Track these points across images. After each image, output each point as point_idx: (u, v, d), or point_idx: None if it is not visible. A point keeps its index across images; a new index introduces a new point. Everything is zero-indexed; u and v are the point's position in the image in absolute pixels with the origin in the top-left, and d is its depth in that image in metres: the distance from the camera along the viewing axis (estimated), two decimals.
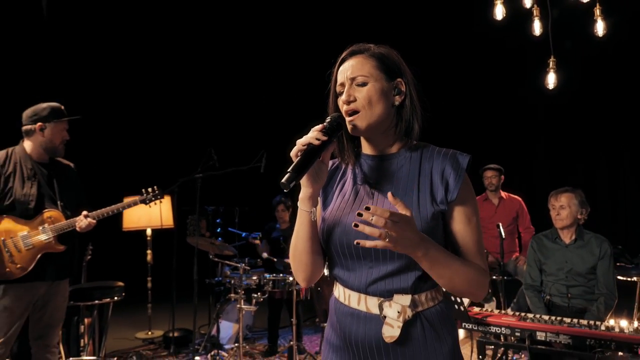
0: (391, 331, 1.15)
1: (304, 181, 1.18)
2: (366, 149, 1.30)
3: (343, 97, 1.20)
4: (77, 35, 6.25)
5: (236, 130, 7.16)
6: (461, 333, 4.60)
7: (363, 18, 6.21)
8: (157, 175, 6.00)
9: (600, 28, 2.98)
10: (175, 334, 4.38)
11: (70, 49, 6.27)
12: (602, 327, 2.29)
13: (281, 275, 3.99)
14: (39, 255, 2.61)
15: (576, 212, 2.86)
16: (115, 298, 3.50)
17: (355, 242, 1.02)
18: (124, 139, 6.91)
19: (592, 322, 2.38)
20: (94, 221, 2.70)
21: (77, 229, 2.66)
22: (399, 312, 1.15)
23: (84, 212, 2.67)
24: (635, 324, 2.32)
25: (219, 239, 4.38)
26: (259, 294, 3.91)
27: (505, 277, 3.90)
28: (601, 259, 2.76)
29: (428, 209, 1.16)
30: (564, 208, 2.86)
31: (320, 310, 4.15)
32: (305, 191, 1.20)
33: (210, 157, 4.11)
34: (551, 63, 3.17)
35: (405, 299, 1.16)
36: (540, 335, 2.34)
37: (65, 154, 2.90)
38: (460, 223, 1.19)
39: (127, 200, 2.88)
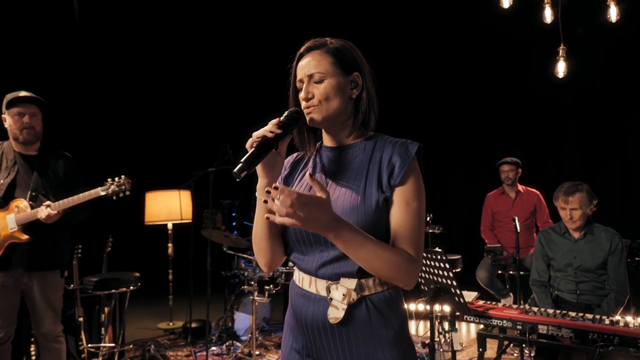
0: (336, 312, 1.19)
1: (260, 171, 1.24)
2: (326, 140, 1.36)
3: (302, 95, 1.26)
4: (102, 36, 6.48)
5: (250, 125, 7.25)
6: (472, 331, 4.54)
7: (365, 9, 6.19)
8: (176, 170, 6.22)
9: (613, 14, 2.87)
10: (193, 325, 4.49)
11: (95, 50, 6.52)
12: (606, 322, 2.23)
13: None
14: (6, 244, 2.65)
15: (587, 209, 2.75)
16: (132, 288, 3.63)
17: (265, 216, 1.05)
18: (142, 134, 7.13)
19: (596, 317, 2.31)
20: (54, 212, 2.59)
21: (40, 219, 2.60)
22: (344, 294, 1.19)
23: (46, 203, 2.62)
24: None
25: (235, 232, 4.46)
26: (271, 286, 3.97)
27: (522, 272, 3.82)
28: (612, 253, 2.66)
29: (373, 195, 1.19)
30: (576, 210, 2.74)
31: None
32: (261, 181, 1.26)
33: (226, 152, 4.20)
34: (561, 51, 3.07)
35: (351, 283, 1.20)
36: (542, 329, 2.29)
37: (87, 150, 2.99)
38: (397, 207, 1.20)
39: (89, 192, 2.69)
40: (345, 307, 1.19)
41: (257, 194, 1.27)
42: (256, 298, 3.92)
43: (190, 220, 4.97)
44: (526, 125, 6.77)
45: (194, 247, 4.32)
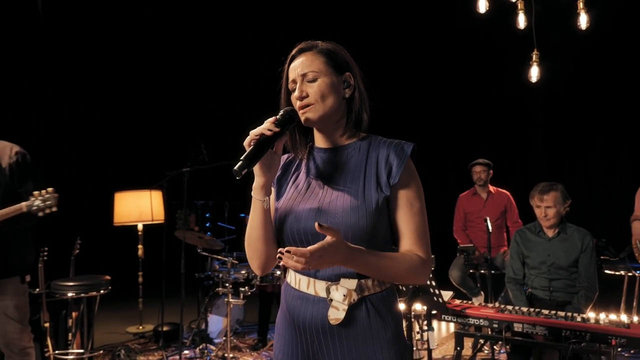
0: (336, 313, 1.19)
1: (257, 170, 1.23)
2: (319, 142, 1.36)
3: (296, 94, 1.26)
4: (67, 30, 6.26)
5: (226, 124, 7.16)
6: (451, 328, 4.62)
7: (346, 12, 6.22)
8: (147, 170, 6.06)
9: (583, 21, 2.98)
10: (165, 329, 4.40)
11: (62, 44, 6.28)
12: (578, 319, 2.31)
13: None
14: None
15: (561, 208, 2.86)
16: (102, 292, 3.51)
17: (280, 264, 1.06)
18: (113, 133, 6.93)
19: (569, 314, 2.40)
20: None
21: None
22: (344, 295, 1.19)
23: None
24: (612, 315, 2.33)
25: (208, 233, 4.38)
26: (246, 287, 3.92)
27: (492, 271, 3.92)
28: (583, 252, 2.77)
29: (372, 196, 1.21)
30: (550, 208, 2.84)
31: None
32: (258, 180, 1.25)
33: (200, 152, 4.12)
34: (534, 56, 3.17)
35: (352, 283, 1.19)
36: (518, 327, 2.35)
37: (52, 149, 2.82)
38: (401, 208, 1.23)
39: (10, 208, 2.44)
40: (346, 307, 1.18)
41: (253, 193, 1.26)
42: (231, 300, 3.87)
43: (162, 221, 4.86)
44: (497, 127, 6.95)
45: (166, 248, 4.23)
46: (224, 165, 4.01)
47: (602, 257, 3.87)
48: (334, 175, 1.28)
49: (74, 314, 3.68)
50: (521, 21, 3.15)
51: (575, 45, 4.51)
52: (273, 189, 1.37)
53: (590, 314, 2.37)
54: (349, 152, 1.29)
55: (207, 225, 4.75)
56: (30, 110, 5.96)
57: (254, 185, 1.26)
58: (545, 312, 2.45)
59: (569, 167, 6.56)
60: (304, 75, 1.25)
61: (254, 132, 1.19)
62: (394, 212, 1.24)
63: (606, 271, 4.08)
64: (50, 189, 2.46)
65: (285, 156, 1.43)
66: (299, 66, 1.26)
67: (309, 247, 1.02)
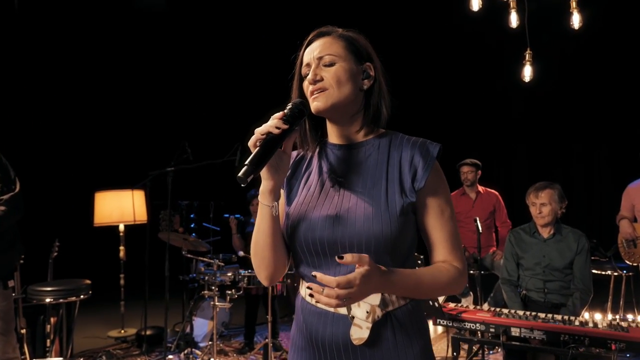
0: (360, 332, 1.08)
1: (264, 173, 1.11)
2: (332, 137, 1.24)
3: (309, 77, 1.14)
4: (47, 26, 6.04)
5: (210, 123, 7.02)
6: (439, 329, 4.59)
7: (336, 7, 6.14)
8: (128, 169, 5.89)
9: (576, 21, 2.96)
10: (148, 332, 4.26)
11: (40, 40, 6.06)
12: (576, 323, 2.28)
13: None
14: None
15: (557, 208, 2.84)
16: (82, 297, 3.37)
17: (308, 294, 0.99)
18: (93, 131, 6.72)
19: (566, 318, 2.37)
20: None
21: None
22: (367, 312, 1.08)
23: None
24: (609, 317, 2.31)
25: (193, 234, 4.26)
26: (233, 290, 3.82)
27: (482, 272, 3.90)
28: (578, 254, 2.75)
29: (397, 201, 1.10)
30: (545, 205, 2.82)
31: None
32: (266, 184, 1.12)
33: (184, 150, 4.00)
34: (527, 56, 3.14)
35: (375, 298, 1.09)
36: (515, 331, 2.31)
37: (29, 147, 2.66)
38: (431, 215, 1.13)
39: None
40: (370, 325, 1.07)
41: (260, 197, 1.15)
42: (217, 303, 3.76)
43: (145, 221, 4.72)
44: (490, 126, 6.95)
45: (149, 249, 4.09)
46: (209, 164, 3.91)
47: (592, 258, 3.88)
48: (351, 176, 1.16)
49: (52, 320, 3.53)
50: (513, 20, 3.12)
51: (565, 45, 4.51)
52: (283, 192, 1.26)
53: (586, 316, 2.35)
54: (366, 149, 1.18)
55: (192, 226, 4.61)
56: (5, 106, 5.72)
57: (261, 189, 1.13)
58: (542, 315, 2.41)
59: (561, 166, 6.61)
60: (320, 59, 1.13)
61: (259, 131, 1.05)
62: (423, 219, 1.13)
63: (593, 271, 4.10)
64: None
65: (294, 153, 1.29)
66: (316, 49, 1.15)
67: (337, 278, 0.94)
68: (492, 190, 4.60)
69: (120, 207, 4.67)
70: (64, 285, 3.36)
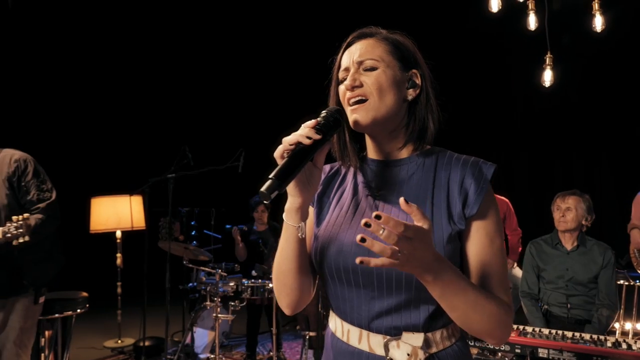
0: None
1: (291, 189, 0.97)
2: (371, 151, 1.09)
3: (347, 82, 1.00)
4: (43, 26, 5.86)
5: (212, 127, 6.86)
6: None
7: (345, 11, 5.99)
8: (126, 174, 5.72)
9: (598, 23, 2.84)
10: (147, 343, 4.11)
11: (35, 41, 5.88)
12: (608, 344, 2.15)
13: (260, 281, 3.77)
14: None
15: (582, 217, 2.72)
16: (79, 310, 3.21)
17: (357, 261, 0.78)
18: (89, 135, 6.54)
19: (595, 337, 2.24)
20: None
21: None
22: (408, 354, 0.95)
23: None
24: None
25: (194, 242, 4.11)
26: (236, 302, 3.68)
27: None
28: (604, 267, 2.62)
29: (444, 228, 0.95)
30: (570, 210, 2.71)
31: (301, 317, 3.94)
32: (293, 201, 0.98)
33: (185, 155, 3.86)
34: (548, 59, 3.01)
35: (417, 339, 0.95)
36: (543, 352, 2.18)
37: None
38: (479, 245, 0.97)
39: None
40: None
41: (285, 216, 1.00)
42: (220, 315, 3.61)
43: (143, 228, 4.56)
44: (500, 131, 6.78)
45: (148, 257, 3.94)
46: (211, 170, 3.77)
47: None
48: (390, 197, 1.02)
49: (47, 333, 3.37)
50: (532, 22, 2.99)
51: (589, 49, 4.34)
52: (312, 210, 1.12)
53: (619, 339, 2.22)
54: (409, 167, 1.04)
55: (193, 233, 4.45)
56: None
57: (287, 207, 0.99)
58: (569, 335, 2.28)
59: (552, 174, 6.47)
60: (360, 63, 1.00)
61: (287, 141, 0.92)
62: (471, 248, 0.98)
63: None
64: (25, 215, 2.19)
65: (327, 167, 1.16)
66: (356, 51, 1.01)
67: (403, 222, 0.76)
68: (502, 197, 4.47)
69: (117, 213, 4.52)
70: (59, 298, 3.19)
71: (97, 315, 5.19)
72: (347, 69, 1.02)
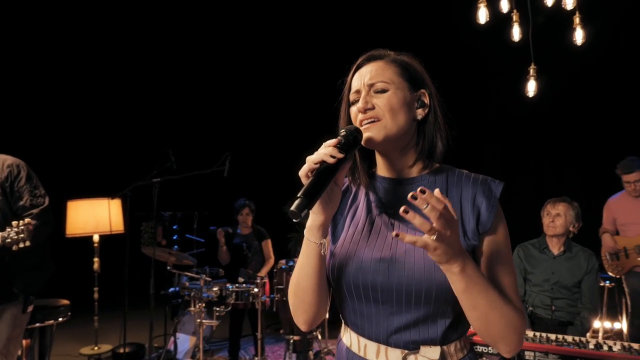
0: None
1: (314, 207, 1.00)
2: (382, 169, 1.13)
3: (359, 105, 1.03)
4: (20, 27, 5.66)
5: (194, 130, 6.77)
6: None
7: (333, 23, 6.01)
8: (106, 177, 5.58)
9: (579, 37, 2.96)
10: (126, 350, 4.02)
11: (14, 41, 5.67)
12: (591, 346, 2.25)
13: (244, 285, 3.75)
14: None
15: (570, 223, 2.83)
16: (60, 319, 3.12)
17: (394, 234, 0.84)
18: (65, 136, 6.35)
19: (577, 339, 2.34)
20: None
21: None
22: None
23: None
24: (624, 343, 2.29)
25: (175, 247, 4.05)
26: (221, 307, 3.64)
27: None
28: (588, 273, 2.74)
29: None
30: (559, 216, 2.82)
31: (286, 321, 3.94)
32: (315, 219, 1.01)
33: (168, 159, 3.80)
34: (532, 70, 3.12)
35: (434, 352, 0.99)
36: (529, 355, 2.26)
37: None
38: (491, 259, 1.02)
39: None
40: None
41: (306, 233, 1.03)
42: (204, 321, 3.57)
43: (121, 231, 4.46)
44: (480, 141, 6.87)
45: (128, 261, 3.86)
46: (197, 174, 3.72)
47: None
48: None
49: (24, 343, 3.26)
50: (516, 33, 3.09)
51: (570, 61, 4.48)
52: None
53: (601, 341, 2.32)
54: (422, 185, 1.07)
55: (175, 237, 4.38)
56: None
57: (309, 224, 1.02)
58: (552, 337, 2.37)
59: (524, 180, 6.64)
60: (371, 85, 1.04)
61: (312, 159, 0.95)
62: (483, 262, 1.02)
63: None
64: (27, 220, 2.14)
65: None
66: (366, 74, 1.05)
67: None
68: None
69: (95, 216, 4.40)
70: (39, 306, 3.09)
71: (73, 322, 5.05)
72: (358, 91, 1.06)
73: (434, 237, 0.84)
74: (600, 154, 5.51)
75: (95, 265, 4.57)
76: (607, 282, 4.26)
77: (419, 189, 0.82)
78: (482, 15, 2.97)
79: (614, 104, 5.37)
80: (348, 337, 1.09)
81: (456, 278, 0.90)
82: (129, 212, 3.99)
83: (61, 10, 5.74)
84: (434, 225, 0.83)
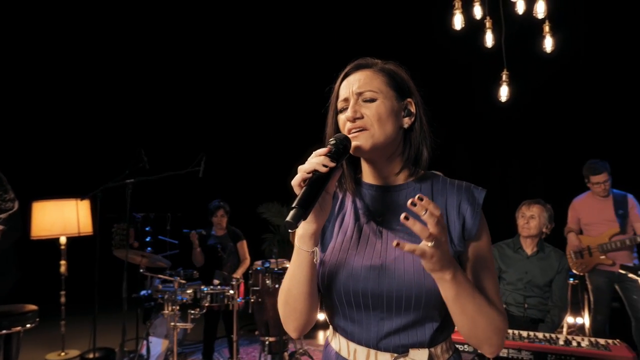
0: None
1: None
2: (368, 176, 1.15)
3: (348, 113, 1.05)
4: None
5: (166, 129, 6.63)
6: None
7: (308, 26, 6.00)
8: (74, 178, 5.40)
9: (549, 44, 3.07)
10: (96, 355, 3.92)
11: None
12: (560, 342, 2.34)
13: (219, 287, 3.71)
14: None
15: (543, 225, 2.93)
16: (28, 326, 3.00)
17: (394, 244, 0.86)
18: (37, 136, 6.12)
19: (548, 336, 2.43)
20: None
21: None
22: None
23: None
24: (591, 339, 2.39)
25: (149, 249, 3.96)
26: (196, 310, 3.59)
27: None
28: (559, 272, 2.85)
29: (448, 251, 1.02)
30: (534, 218, 2.91)
31: (261, 322, 3.92)
32: (307, 227, 1.02)
33: (140, 159, 3.72)
34: (504, 76, 3.22)
35: (423, 355, 1.02)
36: (503, 352, 2.33)
37: None
38: (477, 264, 1.06)
39: None
40: None
41: (298, 242, 1.03)
42: (178, 324, 3.51)
43: (90, 233, 4.34)
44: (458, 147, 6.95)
45: (98, 264, 3.77)
46: (172, 175, 3.66)
47: None
48: (392, 222, 1.07)
49: None
50: (489, 40, 3.18)
51: (541, 68, 4.63)
52: None
53: (570, 337, 2.42)
54: (407, 193, 1.10)
55: (147, 239, 4.29)
56: None
57: (301, 233, 1.02)
58: (524, 334, 2.46)
59: (491, 181, 6.81)
60: (359, 94, 1.05)
61: (304, 169, 0.96)
62: (468, 267, 1.06)
63: None
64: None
65: None
66: (354, 83, 1.06)
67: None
68: None
69: (62, 218, 4.26)
70: (5, 312, 2.97)
71: (39, 327, 4.87)
72: (346, 100, 1.07)
73: (431, 243, 0.87)
74: (563, 158, 5.74)
75: (62, 268, 4.42)
76: (571, 279, 4.44)
77: (417, 196, 0.85)
78: (458, 21, 3.04)
79: (579, 110, 5.59)
80: (337, 342, 1.11)
81: (448, 285, 0.93)
82: (99, 213, 3.89)
83: (32, 11, 5.52)
84: (432, 231, 0.86)
